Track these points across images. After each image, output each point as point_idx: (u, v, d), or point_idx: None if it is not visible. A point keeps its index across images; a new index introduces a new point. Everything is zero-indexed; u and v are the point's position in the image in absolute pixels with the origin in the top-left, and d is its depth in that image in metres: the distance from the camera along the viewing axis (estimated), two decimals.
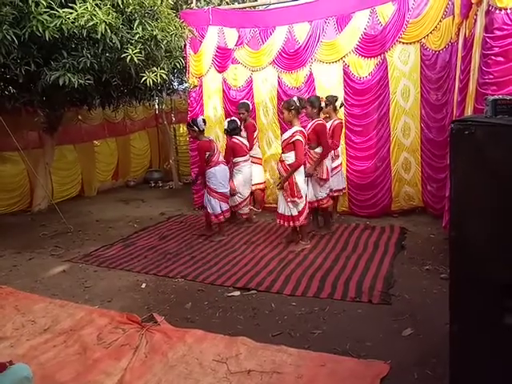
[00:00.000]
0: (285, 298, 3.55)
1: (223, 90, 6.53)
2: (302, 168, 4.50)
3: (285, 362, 2.59)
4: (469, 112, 3.84)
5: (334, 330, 2.97)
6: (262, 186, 6.25)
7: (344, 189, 5.63)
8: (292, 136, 4.39)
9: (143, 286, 3.97)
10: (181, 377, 2.52)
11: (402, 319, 3.06)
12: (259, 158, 6.12)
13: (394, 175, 5.70)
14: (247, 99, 6.28)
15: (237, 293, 3.70)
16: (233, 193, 5.45)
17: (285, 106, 4.50)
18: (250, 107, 6.02)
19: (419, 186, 5.68)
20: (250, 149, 5.78)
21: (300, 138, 4.38)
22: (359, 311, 3.25)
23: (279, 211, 4.64)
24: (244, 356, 2.67)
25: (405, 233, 5.06)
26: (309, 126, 4.87)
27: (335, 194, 5.39)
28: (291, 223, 4.57)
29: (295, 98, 4.53)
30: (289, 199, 4.46)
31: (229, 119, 5.63)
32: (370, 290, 3.57)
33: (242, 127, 5.76)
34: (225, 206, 5.23)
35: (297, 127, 4.45)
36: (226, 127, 5.50)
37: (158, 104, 9.70)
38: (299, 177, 4.46)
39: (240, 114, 5.81)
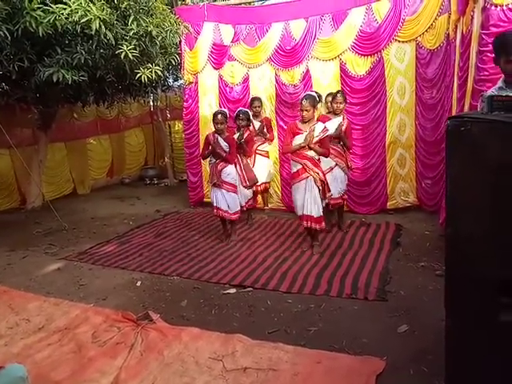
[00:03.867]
0: (281, 295, 3.55)
1: (219, 87, 6.50)
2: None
3: (281, 360, 2.58)
4: (466, 109, 3.84)
5: (330, 327, 2.98)
6: (268, 185, 6.08)
7: None
8: (323, 133, 4.19)
9: (138, 283, 3.95)
10: (176, 375, 2.51)
11: (397, 316, 3.07)
12: (267, 151, 5.94)
13: (390, 171, 5.72)
14: (244, 96, 6.26)
15: (233, 290, 3.69)
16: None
17: (312, 103, 4.11)
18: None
19: (414, 181, 5.70)
20: (271, 140, 5.94)
21: (330, 133, 4.33)
22: (355, 308, 3.25)
23: (309, 213, 4.25)
24: (240, 353, 2.67)
25: (400, 229, 5.07)
26: (339, 121, 4.77)
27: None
28: (319, 224, 4.29)
29: (315, 94, 4.38)
30: (327, 194, 4.30)
31: (243, 109, 5.42)
32: (366, 286, 3.57)
33: (254, 120, 5.70)
34: None
35: (320, 123, 4.30)
36: (246, 116, 5.23)
37: (152, 101, 9.66)
38: None
39: (256, 107, 5.69)
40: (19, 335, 3.05)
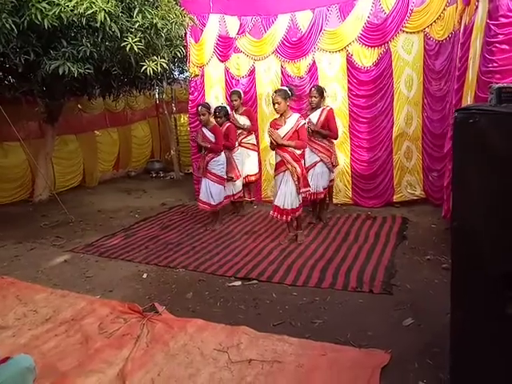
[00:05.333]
0: (286, 287, 3.55)
1: (226, 80, 6.47)
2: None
3: (286, 352, 2.59)
4: (469, 100, 3.79)
5: (335, 320, 2.98)
6: (254, 178, 6.06)
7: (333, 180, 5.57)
8: (297, 123, 4.29)
9: (144, 276, 3.97)
10: (182, 366, 2.53)
11: (403, 309, 3.06)
12: (255, 145, 5.95)
13: (396, 164, 5.68)
14: (250, 88, 6.23)
15: (238, 283, 3.70)
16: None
17: (282, 96, 4.24)
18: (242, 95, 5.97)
19: (421, 174, 5.66)
20: (254, 132, 5.91)
21: (305, 122, 4.39)
22: (360, 301, 3.25)
23: (283, 206, 4.35)
24: (245, 345, 2.68)
25: (406, 223, 5.05)
26: (318, 113, 4.89)
27: (329, 184, 5.33)
28: (294, 214, 4.41)
29: (286, 88, 4.45)
30: (302, 190, 4.37)
31: (220, 105, 5.51)
32: (371, 279, 3.57)
33: (235, 114, 5.74)
34: None
35: (295, 114, 4.40)
36: (223, 112, 5.34)
37: (158, 94, 9.64)
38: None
39: (233, 101, 5.72)
40: (27, 326, 3.09)
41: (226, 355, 2.59)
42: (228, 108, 5.48)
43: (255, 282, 3.69)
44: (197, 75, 6.53)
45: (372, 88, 5.60)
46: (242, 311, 3.20)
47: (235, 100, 5.72)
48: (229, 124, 5.38)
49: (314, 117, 4.92)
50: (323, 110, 4.93)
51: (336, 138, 5.14)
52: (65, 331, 2.99)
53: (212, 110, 5.18)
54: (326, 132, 4.92)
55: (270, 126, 4.42)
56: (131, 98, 8.61)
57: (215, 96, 6.59)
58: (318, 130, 4.89)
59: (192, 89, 6.66)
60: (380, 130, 5.65)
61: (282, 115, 4.36)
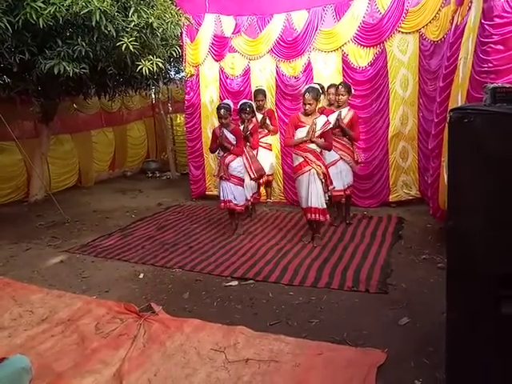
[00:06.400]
0: (282, 287, 3.56)
1: (220, 79, 6.47)
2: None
3: (282, 351, 2.60)
4: (459, 99, 3.79)
5: (332, 319, 2.99)
6: (271, 178, 6.05)
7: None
8: (325, 126, 4.22)
9: (141, 276, 3.97)
10: (179, 366, 2.53)
11: (398, 308, 3.07)
12: (270, 144, 5.89)
13: (392, 164, 5.70)
14: (245, 88, 6.23)
15: (234, 282, 3.70)
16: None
17: (314, 96, 4.10)
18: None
19: (416, 174, 5.68)
20: (275, 132, 5.91)
21: (332, 126, 4.36)
22: (356, 300, 3.26)
23: (314, 205, 4.25)
24: (242, 345, 2.68)
25: (402, 222, 5.07)
26: (345, 113, 4.80)
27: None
28: (322, 217, 4.31)
29: (317, 86, 4.34)
30: (330, 187, 4.32)
31: (248, 102, 5.37)
32: (367, 279, 3.58)
33: (257, 113, 5.63)
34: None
35: (323, 116, 4.32)
36: (252, 108, 5.24)
37: (154, 93, 9.62)
38: None
39: (259, 100, 5.61)
40: (22, 327, 3.07)
41: (223, 355, 2.59)
42: (254, 105, 5.41)
43: (252, 281, 3.70)
44: (192, 75, 6.53)
45: (368, 88, 5.61)
46: (239, 311, 3.20)
47: (261, 100, 5.62)
48: (254, 124, 5.33)
49: (334, 117, 4.70)
50: (349, 110, 4.85)
51: (357, 141, 5.07)
52: (61, 332, 2.98)
53: (232, 110, 4.93)
54: (350, 132, 4.81)
55: (293, 124, 4.29)
56: (127, 98, 8.55)
57: (210, 96, 6.59)
58: (344, 127, 4.77)
59: (188, 89, 6.65)
60: (376, 130, 5.67)
61: (309, 115, 4.21)
